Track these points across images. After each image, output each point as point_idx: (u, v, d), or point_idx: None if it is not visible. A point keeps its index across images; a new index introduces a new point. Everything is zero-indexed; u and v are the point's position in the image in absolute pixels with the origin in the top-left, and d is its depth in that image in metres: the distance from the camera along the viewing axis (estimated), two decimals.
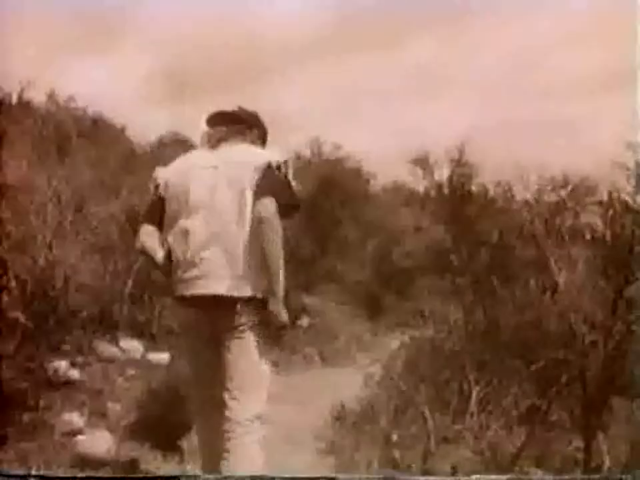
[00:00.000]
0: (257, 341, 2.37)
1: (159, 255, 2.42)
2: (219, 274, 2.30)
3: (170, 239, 2.40)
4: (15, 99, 8.39)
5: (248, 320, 2.34)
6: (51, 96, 9.22)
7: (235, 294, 2.28)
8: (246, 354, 2.38)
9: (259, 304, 2.29)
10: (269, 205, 2.26)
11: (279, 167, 2.33)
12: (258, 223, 2.26)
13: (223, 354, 2.38)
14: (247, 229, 2.29)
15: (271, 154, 2.38)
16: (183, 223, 2.37)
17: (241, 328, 2.34)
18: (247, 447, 2.31)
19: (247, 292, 2.28)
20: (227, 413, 2.33)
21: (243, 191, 2.30)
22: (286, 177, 2.34)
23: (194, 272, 2.33)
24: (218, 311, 2.33)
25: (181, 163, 2.51)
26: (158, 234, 2.45)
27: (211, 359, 2.41)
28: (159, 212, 2.46)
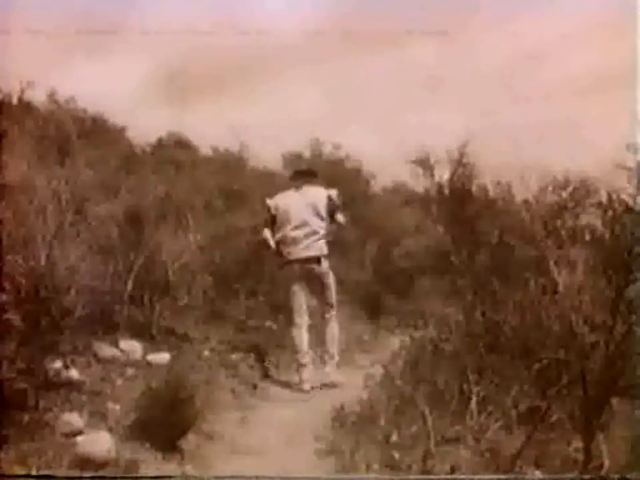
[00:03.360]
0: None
1: (273, 245, 5.05)
2: (312, 247, 4.97)
3: (280, 235, 5.01)
4: (15, 99, 8.36)
5: (327, 269, 5.03)
6: (52, 96, 9.19)
7: (320, 254, 5.00)
8: (331, 289, 5.10)
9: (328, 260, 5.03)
10: (342, 216, 5.09)
11: (333, 196, 5.08)
12: (338, 225, 5.08)
13: (317, 290, 5.07)
14: (324, 226, 5.03)
15: (329, 190, 5.06)
16: (288, 229, 5.00)
17: (325, 273, 5.02)
18: (336, 332, 5.14)
19: (325, 252, 5.03)
20: (327, 319, 5.13)
21: (320, 210, 5.01)
22: (336, 200, 5.08)
23: (299, 248, 4.96)
24: (313, 265, 4.98)
25: (282, 197, 5.10)
26: (270, 233, 5.06)
27: (306, 294, 5.03)
28: (271, 222, 5.06)
